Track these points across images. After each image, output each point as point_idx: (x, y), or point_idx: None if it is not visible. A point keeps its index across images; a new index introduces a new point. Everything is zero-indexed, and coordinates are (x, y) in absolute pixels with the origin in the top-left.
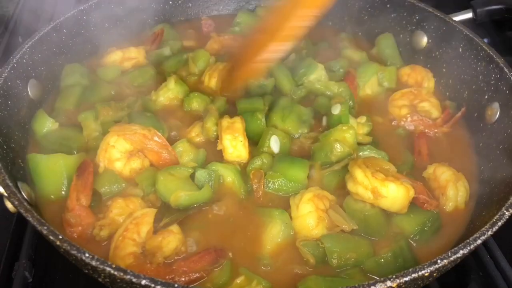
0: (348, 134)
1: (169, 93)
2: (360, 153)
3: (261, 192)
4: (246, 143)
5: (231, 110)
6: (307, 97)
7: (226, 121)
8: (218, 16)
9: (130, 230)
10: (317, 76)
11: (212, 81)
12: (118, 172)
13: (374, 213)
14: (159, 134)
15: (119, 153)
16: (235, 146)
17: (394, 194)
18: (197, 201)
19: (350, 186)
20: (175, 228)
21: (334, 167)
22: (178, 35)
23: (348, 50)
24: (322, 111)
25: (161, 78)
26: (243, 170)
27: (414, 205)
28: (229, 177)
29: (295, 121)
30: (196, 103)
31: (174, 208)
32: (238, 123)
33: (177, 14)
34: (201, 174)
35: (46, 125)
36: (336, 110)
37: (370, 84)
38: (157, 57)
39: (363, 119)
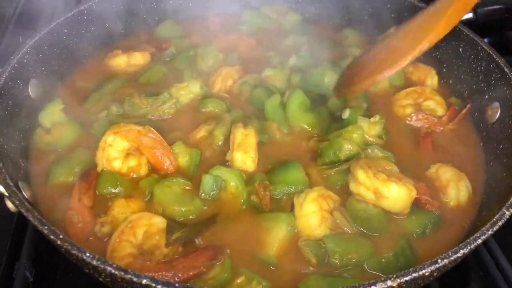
0: (355, 134)
1: (191, 95)
2: (369, 150)
3: (268, 203)
4: (256, 158)
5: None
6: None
7: (240, 133)
8: (225, 14)
9: (126, 233)
10: (330, 80)
11: (215, 86)
12: (116, 171)
13: (376, 212)
14: (153, 130)
15: (117, 152)
16: (244, 161)
17: (396, 194)
18: (191, 214)
19: (352, 186)
20: None
21: (343, 165)
22: (184, 33)
23: (354, 48)
24: (334, 112)
25: (173, 75)
26: (247, 177)
27: (416, 205)
28: (232, 181)
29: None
30: (211, 107)
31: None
32: (252, 137)
33: (181, 12)
34: (208, 180)
35: (55, 116)
36: (345, 114)
37: (382, 85)
38: (164, 58)
39: (376, 117)
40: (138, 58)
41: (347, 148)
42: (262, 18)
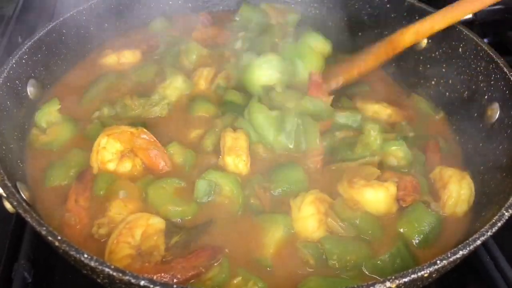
0: (371, 138)
1: (177, 92)
2: (387, 148)
3: (268, 203)
4: (248, 162)
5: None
6: None
7: (230, 137)
8: (219, 10)
9: (124, 234)
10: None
11: (200, 88)
12: (111, 172)
13: (364, 219)
14: (146, 131)
15: (111, 154)
16: (236, 165)
17: (372, 197)
18: (185, 215)
19: (340, 189)
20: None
21: (352, 163)
22: (174, 30)
23: None
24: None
25: (161, 73)
26: (243, 180)
27: (415, 207)
28: (227, 186)
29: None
30: (201, 112)
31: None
32: (242, 140)
33: (176, 10)
34: (202, 185)
35: (51, 116)
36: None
37: None
38: (154, 56)
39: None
40: (128, 57)
41: (361, 149)
42: (258, 13)
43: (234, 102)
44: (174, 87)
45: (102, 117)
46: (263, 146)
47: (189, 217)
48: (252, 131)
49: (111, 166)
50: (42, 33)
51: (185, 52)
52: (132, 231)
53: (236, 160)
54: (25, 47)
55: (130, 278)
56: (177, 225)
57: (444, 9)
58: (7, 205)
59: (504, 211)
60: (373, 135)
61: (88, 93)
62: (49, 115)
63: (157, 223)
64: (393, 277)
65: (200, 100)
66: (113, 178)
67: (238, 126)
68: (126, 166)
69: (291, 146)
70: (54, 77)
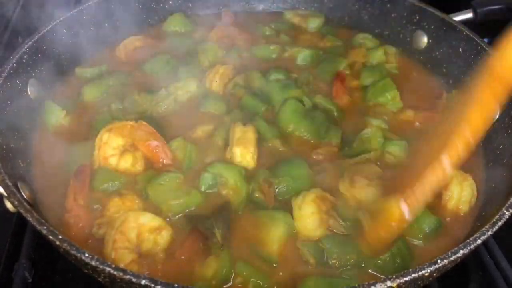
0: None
1: (188, 94)
2: (387, 149)
3: (272, 199)
4: (256, 155)
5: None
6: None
7: (239, 130)
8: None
9: (119, 240)
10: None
11: (213, 85)
12: (113, 167)
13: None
14: (146, 124)
15: (112, 149)
16: (244, 156)
17: (374, 197)
18: (189, 206)
19: (342, 187)
20: (162, 222)
21: (354, 159)
22: (192, 28)
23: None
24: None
25: (173, 71)
26: (247, 174)
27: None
28: (232, 178)
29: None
30: (211, 109)
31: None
32: (251, 133)
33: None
34: (206, 179)
35: (57, 116)
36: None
37: None
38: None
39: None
40: (139, 54)
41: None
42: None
43: (250, 106)
44: (186, 90)
45: (110, 111)
46: (275, 140)
47: (193, 208)
48: (266, 127)
49: (112, 161)
50: (42, 32)
51: (202, 52)
52: (126, 235)
53: (244, 151)
54: (26, 47)
55: (131, 277)
56: (190, 219)
57: None
58: (8, 205)
59: (505, 210)
60: (374, 131)
61: (97, 90)
62: (52, 114)
63: (148, 221)
64: (394, 276)
65: (210, 97)
66: (112, 174)
67: (250, 122)
68: (127, 161)
69: (312, 131)
70: (56, 76)
